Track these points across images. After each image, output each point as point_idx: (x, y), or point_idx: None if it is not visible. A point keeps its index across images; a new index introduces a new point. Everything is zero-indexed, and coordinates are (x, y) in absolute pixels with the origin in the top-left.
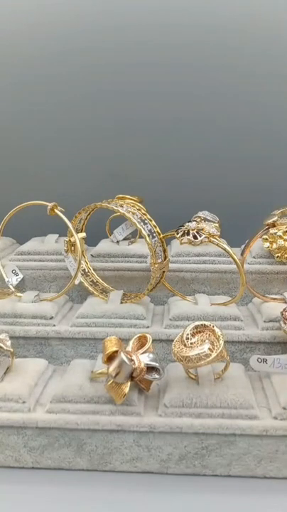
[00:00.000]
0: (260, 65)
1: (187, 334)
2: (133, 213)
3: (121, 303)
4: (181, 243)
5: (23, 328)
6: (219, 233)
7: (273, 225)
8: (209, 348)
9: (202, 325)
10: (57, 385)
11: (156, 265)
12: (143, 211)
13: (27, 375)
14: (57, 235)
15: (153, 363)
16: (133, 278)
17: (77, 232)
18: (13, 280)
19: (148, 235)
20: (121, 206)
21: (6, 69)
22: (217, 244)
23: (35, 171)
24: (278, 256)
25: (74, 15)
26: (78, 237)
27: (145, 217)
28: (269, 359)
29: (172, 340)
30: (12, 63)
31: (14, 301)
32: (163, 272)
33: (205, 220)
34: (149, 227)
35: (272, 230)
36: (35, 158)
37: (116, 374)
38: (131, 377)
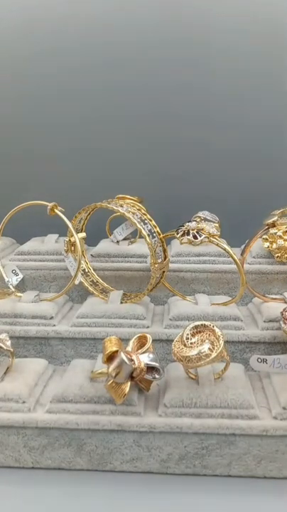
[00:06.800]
0: (261, 66)
1: (187, 334)
2: (133, 213)
3: (121, 303)
4: (181, 243)
5: (23, 328)
6: (219, 233)
7: (273, 225)
8: (209, 348)
9: (202, 325)
10: (57, 385)
11: (156, 265)
12: (143, 211)
13: (27, 375)
14: (57, 235)
15: (153, 363)
16: (133, 278)
17: (77, 232)
18: (13, 280)
19: (148, 235)
20: (121, 206)
21: (5, 68)
22: (217, 244)
23: (35, 171)
24: (278, 256)
25: (76, 13)
26: (78, 237)
27: (145, 217)
28: (269, 359)
29: (172, 340)
30: (11, 61)
31: (14, 301)
32: (163, 271)
33: (205, 220)
34: (149, 227)
35: (272, 230)
36: (35, 158)
37: (116, 374)
38: (131, 377)
